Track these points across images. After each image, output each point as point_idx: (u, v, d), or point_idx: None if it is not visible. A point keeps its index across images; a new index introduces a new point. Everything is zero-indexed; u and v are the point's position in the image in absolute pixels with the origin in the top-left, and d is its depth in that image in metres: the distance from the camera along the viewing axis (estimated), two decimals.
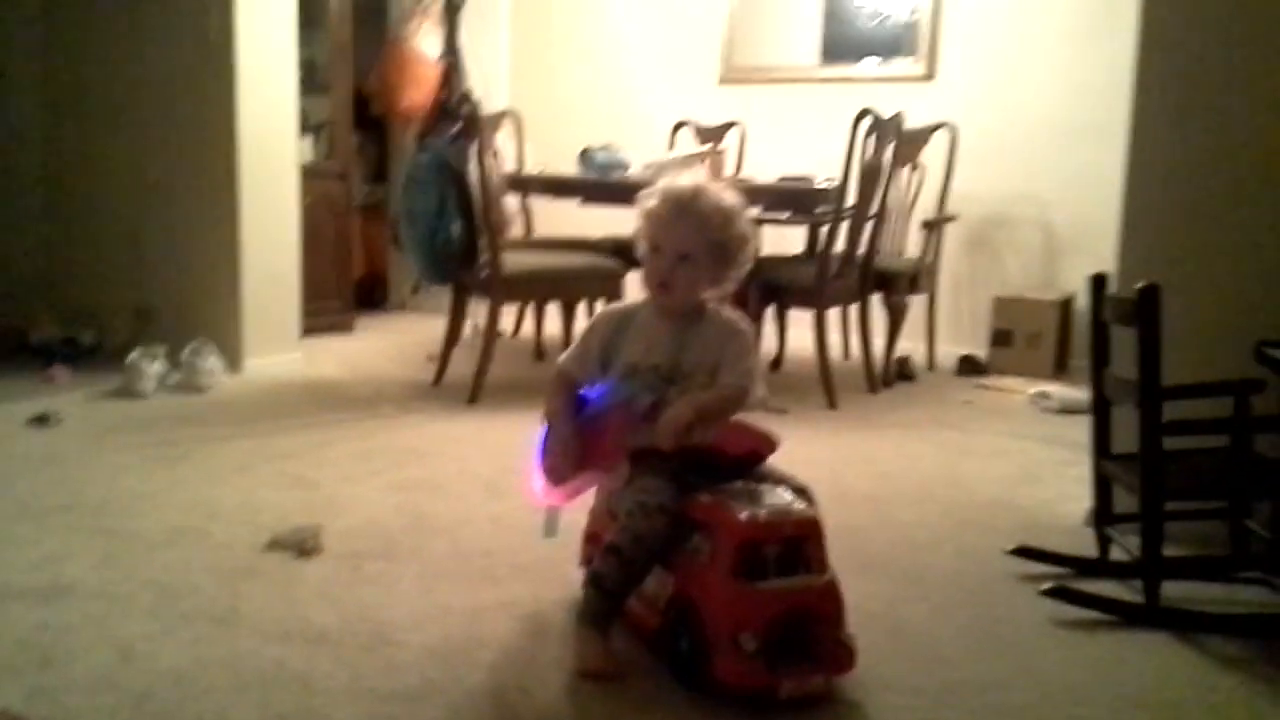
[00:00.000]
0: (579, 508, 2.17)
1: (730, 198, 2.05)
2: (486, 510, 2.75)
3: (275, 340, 4.46)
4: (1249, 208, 2.56)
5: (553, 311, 4.90)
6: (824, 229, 4.12)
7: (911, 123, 4.36)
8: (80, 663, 1.89)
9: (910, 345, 4.76)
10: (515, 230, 5.09)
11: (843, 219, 4.03)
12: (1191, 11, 2.61)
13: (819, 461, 3.22)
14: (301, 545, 2.43)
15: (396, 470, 3.11)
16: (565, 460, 2.07)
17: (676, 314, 2.06)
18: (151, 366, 4.01)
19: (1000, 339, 4.82)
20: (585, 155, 4.31)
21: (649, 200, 2.05)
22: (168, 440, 3.37)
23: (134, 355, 4.02)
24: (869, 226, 4.20)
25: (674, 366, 2.03)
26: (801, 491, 1.95)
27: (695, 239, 2.00)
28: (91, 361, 4.44)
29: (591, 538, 2.14)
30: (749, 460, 1.94)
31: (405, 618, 2.10)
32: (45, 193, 4.89)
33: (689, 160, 4.45)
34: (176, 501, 2.78)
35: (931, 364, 4.90)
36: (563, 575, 2.24)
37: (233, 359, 4.28)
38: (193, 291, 4.45)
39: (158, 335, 4.32)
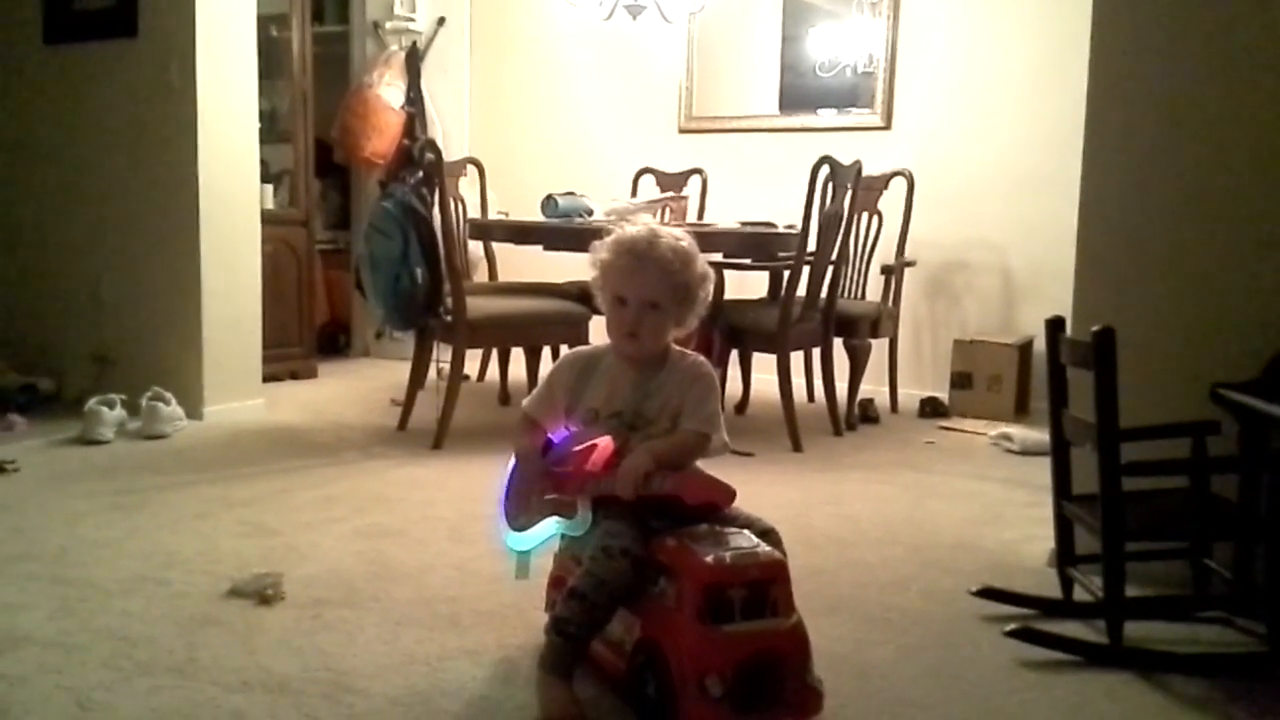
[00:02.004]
0: (548, 551, 2.15)
1: (683, 238, 2.06)
2: (451, 556, 2.73)
3: (236, 386, 4.43)
4: (1200, 252, 2.62)
5: (518, 356, 4.90)
6: (786, 274, 4.16)
7: (869, 170, 4.42)
8: (36, 714, 1.86)
9: (872, 388, 4.80)
10: (478, 276, 5.12)
11: (804, 264, 4.07)
12: (1139, 63, 2.67)
13: (785, 504, 3.23)
14: (262, 593, 2.39)
15: (359, 516, 3.08)
16: (531, 503, 2.06)
17: (640, 360, 2.06)
18: (110, 413, 3.97)
19: (961, 382, 4.86)
20: (548, 201, 4.32)
21: (603, 252, 2.05)
22: (126, 488, 3.33)
23: (92, 402, 3.97)
24: (830, 271, 4.25)
25: (637, 414, 2.03)
26: (767, 534, 1.95)
27: (661, 286, 2.00)
28: (50, 409, 4.39)
29: (557, 582, 2.13)
30: (706, 511, 1.93)
31: (367, 666, 2.08)
32: (2, 238, 4.85)
33: (651, 206, 4.48)
34: (135, 549, 2.74)
35: (894, 406, 4.94)
36: (528, 621, 2.23)
37: (193, 405, 4.25)
38: (153, 338, 4.42)
39: (117, 382, 4.28)
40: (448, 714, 1.90)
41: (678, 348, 2.10)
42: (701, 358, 2.11)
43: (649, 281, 2.00)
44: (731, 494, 1.90)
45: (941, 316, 5.24)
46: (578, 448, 2.04)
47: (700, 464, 2.06)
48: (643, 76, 5.82)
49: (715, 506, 1.92)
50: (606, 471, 1.96)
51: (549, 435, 2.12)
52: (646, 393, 2.04)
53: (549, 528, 2.05)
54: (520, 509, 2.10)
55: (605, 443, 1.99)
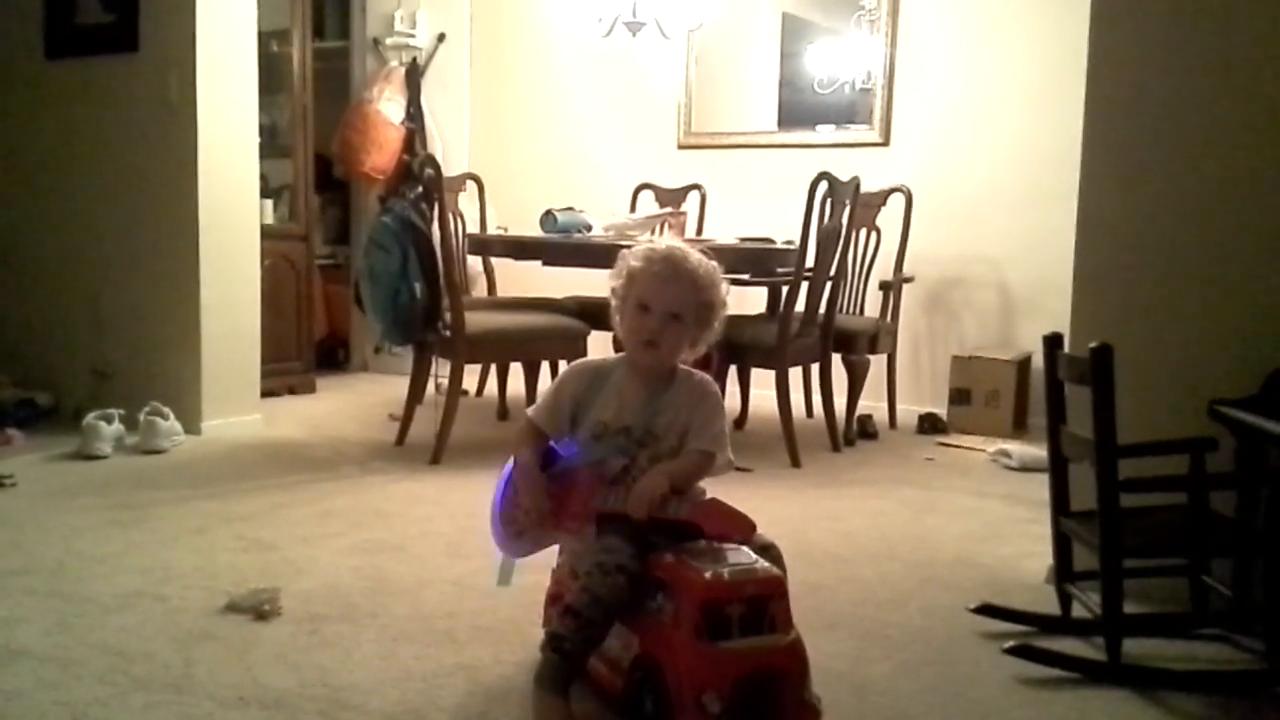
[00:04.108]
0: (538, 561, 2.15)
1: (713, 262, 2.08)
2: (448, 572, 2.73)
3: (235, 401, 4.42)
4: (1198, 268, 2.62)
5: (516, 371, 4.90)
6: (785, 289, 4.16)
7: (868, 186, 4.43)
8: None
9: (871, 404, 4.80)
10: (477, 291, 5.12)
11: (803, 280, 4.07)
12: (1136, 80, 2.68)
13: (783, 519, 3.22)
14: (259, 608, 2.39)
15: (357, 532, 3.08)
16: (536, 507, 2.04)
17: (650, 375, 2.06)
18: (109, 428, 3.97)
19: (959, 397, 4.86)
20: (547, 217, 4.33)
21: (633, 260, 2.06)
22: (124, 503, 3.33)
23: (91, 417, 3.97)
24: (828, 287, 4.25)
25: (646, 430, 2.03)
26: (766, 549, 1.94)
27: (687, 299, 2.02)
28: (48, 423, 4.40)
29: (554, 599, 2.12)
30: (720, 540, 1.92)
31: (364, 682, 2.07)
32: (1, 252, 4.85)
33: (650, 221, 4.49)
34: (132, 564, 2.74)
35: (893, 422, 4.94)
36: (525, 637, 2.22)
37: (191, 420, 4.24)
38: (152, 353, 4.41)
39: (115, 397, 4.28)
40: None
41: (684, 366, 2.11)
42: (707, 376, 2.11)
43: (678, 292, 2.02)
44: (752, 527, 1.90)
45: (940, 332, 5.25)
46: (589, 462, 2.04)
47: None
48: (642, 93, 5.84)
49: (732, 540, 1.91)
50: (615, 486, 1.96)
51: (553, 445, 2.11)
52: (656, 409, 2.04)
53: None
54: (518, 515, 2.09)
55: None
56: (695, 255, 2.07)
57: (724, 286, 2.09)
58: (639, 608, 1.88)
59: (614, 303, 2.10)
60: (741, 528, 1.89)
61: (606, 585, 1.86)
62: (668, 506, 1.90)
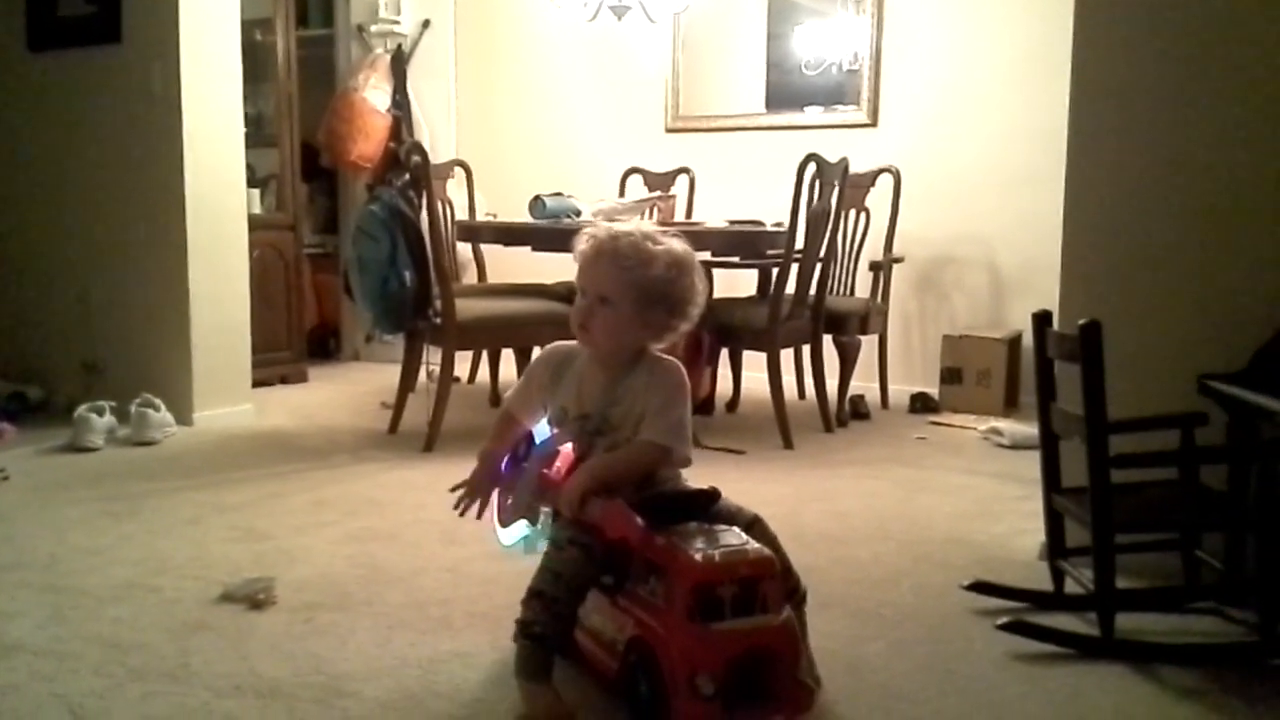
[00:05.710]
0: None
1: (661, 244, 1.97)
2: (443, 559, 2.73)
3: (226, 392, 4.42)
4: (1186, 244, 2.62)
5: (508, 357, 4.90)
6: (775, 271, 4.16)
7: (856, 168, 4.43)
8: None
9: (863, 384, 4.80)
10: (467, 278, 5.11)
11: (793, 261, 4.07)
12: (1121, 59, 2.68)
13: (776, 500, 3.23)
14: (254, 598, 2.39)
15: (351, 520, 3.08)
16: (481, 497, 2.13)
17: (611, 361, 2.02)
18: (100, 420, 3.96)
19: (951, 377, 4.87)
20: (536, 202, 4.32)
21: (579, 244, 2.03)
22: (117, 494, 3.32)
23: (82, 409, 3.96)
24: (818, 268, 4.26)
25: (603, 419, 2.01)
26: (752, 525, 1.95)
27: (614, 281, 1.95)
28: (39, 416, 4.39)
29: None
30: (619, 544, 1.90)
31: (360, 670, 2.07)
32: None
33: (639, 206, 4.48)
34: (126, 556, 2.73)
35: (885, 403, 4.95)
36: None
37: (183, 411, 4.24)
38: (142, 345, 4.41)
39: (106, 389, 4.27)
40: (441, 716, 1.90)
41: (656, 353, 2.05)
42: (675, 362, 2.04)
43: (599, 274, 1.97)
44: (643, 531, 1.84)
45: (930, 312, 5.25)
46: (546, 453, 2.06)
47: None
48: (629, 76, 5.83)
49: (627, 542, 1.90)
50: (564, 481, 1.98)
51: (530, 431, 2.14)
52: (614, 398, 2.01)
53: (522, 530, 2.07)
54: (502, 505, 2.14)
55: (566, 452, 2.00)
56: (633, 236, 1.96)
57: (661, 265, 1.94)
58: (631, 591, 1.88)
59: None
60: (633, 533, 1.85)
61: (562, 560, 1.89)
62: (587, 507, 1.90)
